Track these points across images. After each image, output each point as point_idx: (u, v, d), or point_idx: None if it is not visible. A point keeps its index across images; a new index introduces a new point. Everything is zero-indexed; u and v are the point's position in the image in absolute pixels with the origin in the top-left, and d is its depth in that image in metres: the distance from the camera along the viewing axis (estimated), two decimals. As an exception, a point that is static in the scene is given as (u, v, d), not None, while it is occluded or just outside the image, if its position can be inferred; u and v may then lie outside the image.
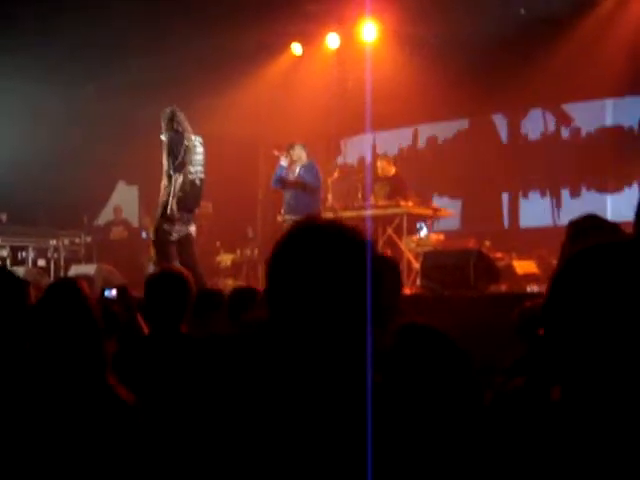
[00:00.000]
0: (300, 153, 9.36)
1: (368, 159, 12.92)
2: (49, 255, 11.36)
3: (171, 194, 7.63)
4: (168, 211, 7.61)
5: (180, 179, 7.66)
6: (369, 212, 9.53)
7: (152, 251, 9.81)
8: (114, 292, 4.03)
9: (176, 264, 7.10)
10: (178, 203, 7.64)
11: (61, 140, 11.75)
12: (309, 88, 11.55)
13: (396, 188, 9.92)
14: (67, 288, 2.59)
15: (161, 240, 7.73)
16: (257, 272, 11.80)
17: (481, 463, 1.44)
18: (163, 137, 7.81)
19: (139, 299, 3.86)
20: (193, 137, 7.85)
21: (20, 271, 10.17)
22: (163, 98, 8.85)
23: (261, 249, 12.17)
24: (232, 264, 12.51)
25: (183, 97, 9.39)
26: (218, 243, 12.82)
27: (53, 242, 11.47)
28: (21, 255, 11.23)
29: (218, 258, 12.57)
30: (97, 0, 9.40)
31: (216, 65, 11.03)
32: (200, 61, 11.04)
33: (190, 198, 7.78)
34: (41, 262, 11.15)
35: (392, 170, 10.25)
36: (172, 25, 10.09)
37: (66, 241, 11.73)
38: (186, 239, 7.77)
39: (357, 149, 13.74)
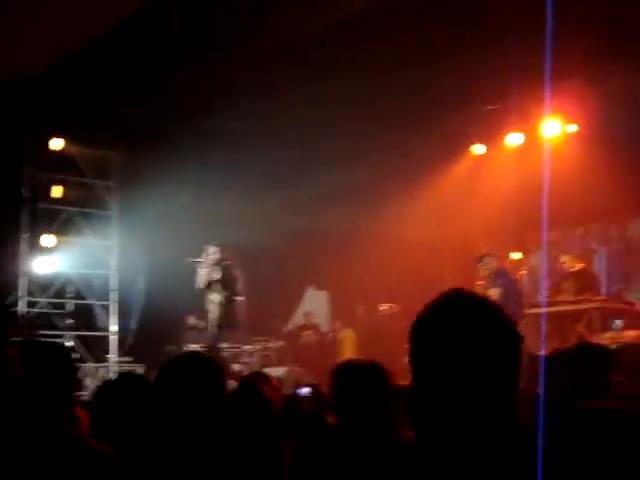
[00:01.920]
0: (490, 264, 9.18)
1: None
2: (244, 360, 11.71)
3: None
4: None
5: None
6: (557, 308, 9.22)
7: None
8: (306, 390, 4.15)
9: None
10: None
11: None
12: (491, 187, 11.47)
13: (586, 283, 9.57)
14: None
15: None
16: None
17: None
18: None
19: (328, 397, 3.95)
20: None
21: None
22: (348, 209, 9.03)
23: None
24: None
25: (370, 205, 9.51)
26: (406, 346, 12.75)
27: (248, 347, 11.84)
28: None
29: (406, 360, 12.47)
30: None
31: (401, 172, 11.25)
32: (390, 170, 11.26)
33: None
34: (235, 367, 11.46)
35: (578, 265, 9.94)
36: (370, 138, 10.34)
37: (259, 346, 12.09)
38: None
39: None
